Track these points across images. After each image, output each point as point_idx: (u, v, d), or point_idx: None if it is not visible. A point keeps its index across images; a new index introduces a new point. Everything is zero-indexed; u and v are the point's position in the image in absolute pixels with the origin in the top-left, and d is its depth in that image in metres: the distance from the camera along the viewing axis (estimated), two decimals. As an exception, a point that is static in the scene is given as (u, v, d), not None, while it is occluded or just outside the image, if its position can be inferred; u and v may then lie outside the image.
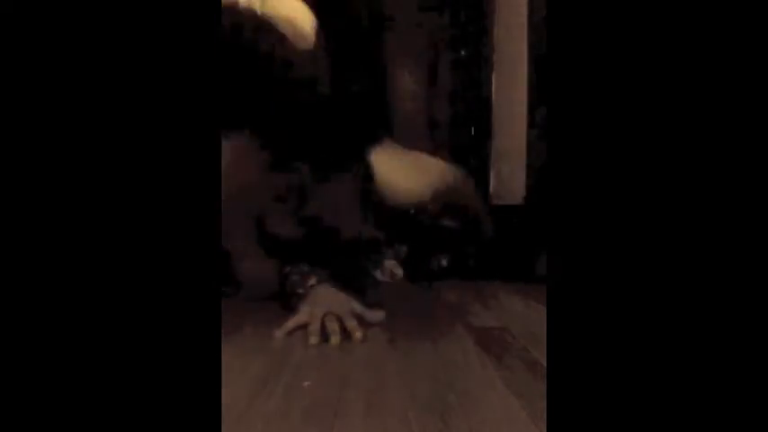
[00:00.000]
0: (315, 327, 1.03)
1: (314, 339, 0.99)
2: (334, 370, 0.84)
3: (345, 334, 1.02)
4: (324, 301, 1.10)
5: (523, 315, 1.29)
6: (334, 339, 0.99)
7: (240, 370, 0.83)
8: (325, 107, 1.12)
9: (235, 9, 1.11)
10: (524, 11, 2.01)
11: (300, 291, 1.15)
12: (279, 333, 1.04)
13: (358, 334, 1.02)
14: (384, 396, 0.73)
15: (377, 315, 1.12)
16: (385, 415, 0.67)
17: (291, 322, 1.06)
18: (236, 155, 1.11)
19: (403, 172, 1.08)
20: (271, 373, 0.82)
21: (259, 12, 1.12)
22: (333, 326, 1.03)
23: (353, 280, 1.20)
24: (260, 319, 1.13)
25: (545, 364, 0.87)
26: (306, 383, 0.77)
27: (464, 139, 2.15)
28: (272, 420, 0.65)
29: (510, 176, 2.03)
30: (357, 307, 1.11)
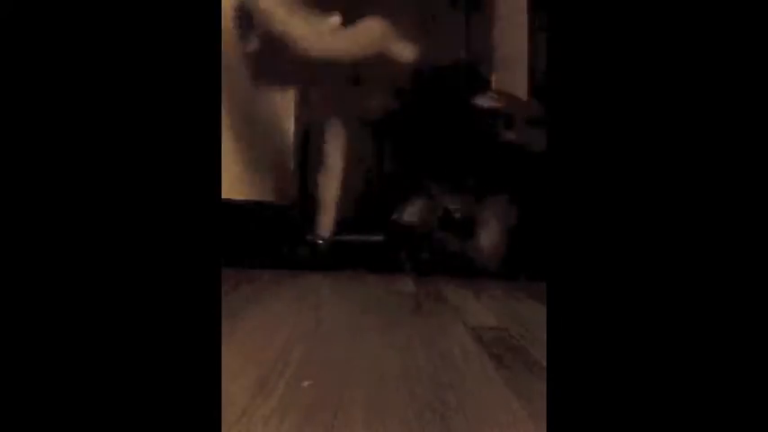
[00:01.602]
0: None
1: None
2: (334, 370, 0.84)
3: None
4: None
5: (523, 315, 1.30)
6: None
7: (240, 370, 0.83)
8: None
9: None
10: (524, 11, 2.02)
11: None
12: None
13: None
14: (384, 396, 0.73)
15: None
16: (385, 415, 0.67)
17: None
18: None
19: None
20: (271, 373, 0.82)
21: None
22: None
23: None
24: (260, 319, 1.13)
25: (545, 365, 0.87)
26: (306, 383, 0.77)
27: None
28: (272, 420, 0.65)
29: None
30: None
